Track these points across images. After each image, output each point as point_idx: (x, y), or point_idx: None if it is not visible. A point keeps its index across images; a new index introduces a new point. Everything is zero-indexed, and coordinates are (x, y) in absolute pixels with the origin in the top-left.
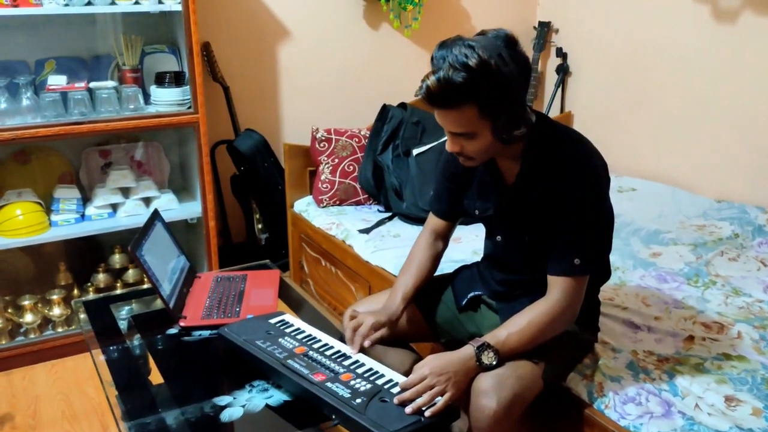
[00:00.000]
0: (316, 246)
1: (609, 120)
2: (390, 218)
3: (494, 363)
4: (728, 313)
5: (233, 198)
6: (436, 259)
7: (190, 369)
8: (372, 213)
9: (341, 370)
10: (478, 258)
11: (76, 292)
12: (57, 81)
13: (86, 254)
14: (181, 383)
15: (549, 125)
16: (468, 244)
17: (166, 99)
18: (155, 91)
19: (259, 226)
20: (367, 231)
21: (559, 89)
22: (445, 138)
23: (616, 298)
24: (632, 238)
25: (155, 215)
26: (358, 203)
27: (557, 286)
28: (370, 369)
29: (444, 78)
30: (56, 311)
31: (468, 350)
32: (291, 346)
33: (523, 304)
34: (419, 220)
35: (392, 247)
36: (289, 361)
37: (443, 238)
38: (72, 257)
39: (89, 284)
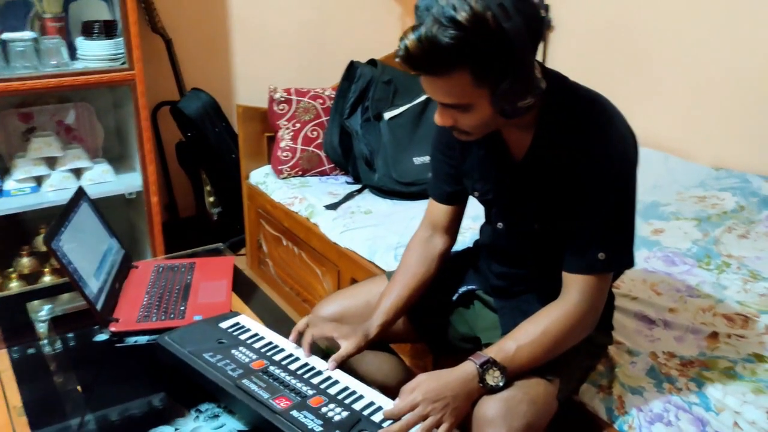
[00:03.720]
0: (276, 223)
1: (594, 79)
2: (359, 191)
3: (501, 384)
4: (750, 303)
5: (180, 168)
6: (431, 259)
7: (122, 387)
8: (339, 185)
9: (310, 393)
10: (469, 238)
11: None
12: None
13: (7, 235)
14: (108, 407)
15: (566, 87)
16: None
17: (94, 53)
18: (82, 43)
19: (211, 199)
20: (334, 207)
21: (541, 45)
22: (420, 99)
23: (623, 286)
24: None
25: (79, 194)
26: (323, 173)
27: (576, 286)
28: (346, 388)
29: (426, 37)
30: None
31: (469, 368)
32: (247, 360)
33: (528, 302)
34: (393, 194)
35: (364, 226)
36: (245, 381)
37: (447, 231)
38: None
39: (11, 270)
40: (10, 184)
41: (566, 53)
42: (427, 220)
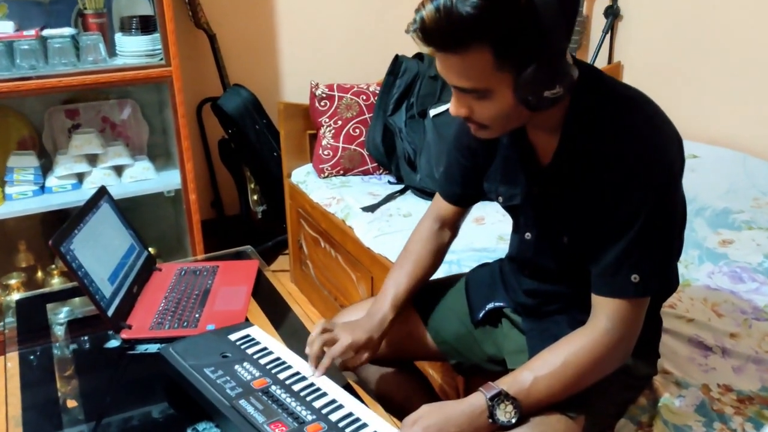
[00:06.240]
0: (315, 224)
1: (666, 72)
2: (402, 192)
3: (513, 420)
4: None
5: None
6: (440, 252)
7: (125, 399)
8: (381, 185)
9: (309, 418)
10: (505, 245)
11: (39, 275)
12: (2, 28)
13: (50, 232)
14: (106, 420)
15: (601, 83)
16: (493, 226)
17: (132, 49)
18: (120, 39)
19: (255, 197)
20: (371, 209)
21: (608, 35)
22: None
23: (679, 305)
24: (696, 219)
25: (99, 195)
26: (365, 173)
27: (605, 311)
28: (350, 414)
29: (446, 6)
30: (16, 297)
31: (478, 400)
32: (249, 378)
33: (558, 324)
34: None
35: (400, 230)
36: (242, 402)
37: (451, 226)
38: (33, 235)
39: (53, 267)
40: (52, 181)
41: (635, 43)
42: (434, 213)
